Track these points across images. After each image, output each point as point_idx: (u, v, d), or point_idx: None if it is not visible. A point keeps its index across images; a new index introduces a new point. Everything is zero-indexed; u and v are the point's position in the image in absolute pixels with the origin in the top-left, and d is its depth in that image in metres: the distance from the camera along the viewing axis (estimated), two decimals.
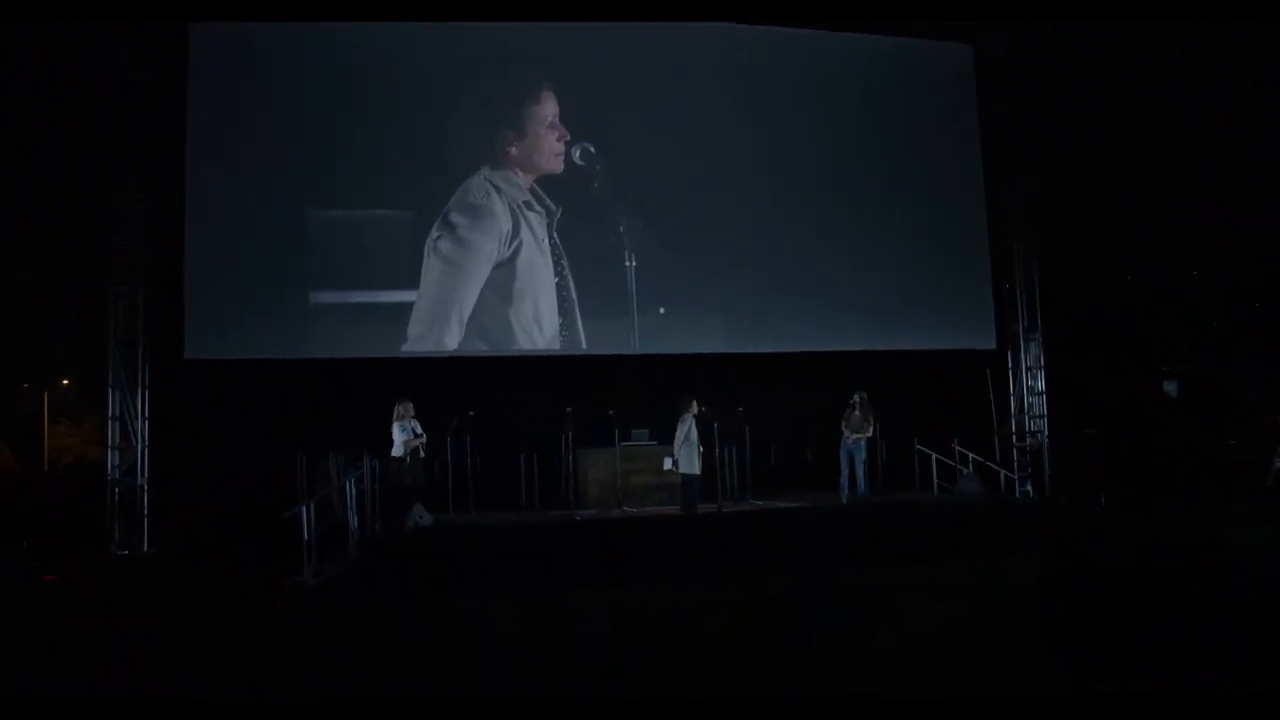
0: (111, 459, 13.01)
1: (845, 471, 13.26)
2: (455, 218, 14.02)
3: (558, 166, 14.44)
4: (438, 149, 14.18)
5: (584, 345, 14.35)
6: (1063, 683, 4.85)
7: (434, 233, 13.92)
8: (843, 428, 13.23)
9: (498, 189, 14.20)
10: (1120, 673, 2.31)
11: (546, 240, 14.27)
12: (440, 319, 13.80)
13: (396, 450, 11.90)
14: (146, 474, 13.06)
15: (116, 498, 12.85)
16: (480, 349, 13.92)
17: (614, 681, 6.31)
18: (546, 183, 14.40)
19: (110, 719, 5.60)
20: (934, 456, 14.49)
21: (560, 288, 14.30)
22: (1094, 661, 2.36)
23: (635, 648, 7.36)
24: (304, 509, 10.43)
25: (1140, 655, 2.23)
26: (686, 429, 12.39)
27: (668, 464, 12.79)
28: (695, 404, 12.59)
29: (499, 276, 14.06)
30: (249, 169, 13.31)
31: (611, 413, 13.38)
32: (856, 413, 13.17)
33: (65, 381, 32.60)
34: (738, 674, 6.44)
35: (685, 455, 12.38)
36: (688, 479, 12.44)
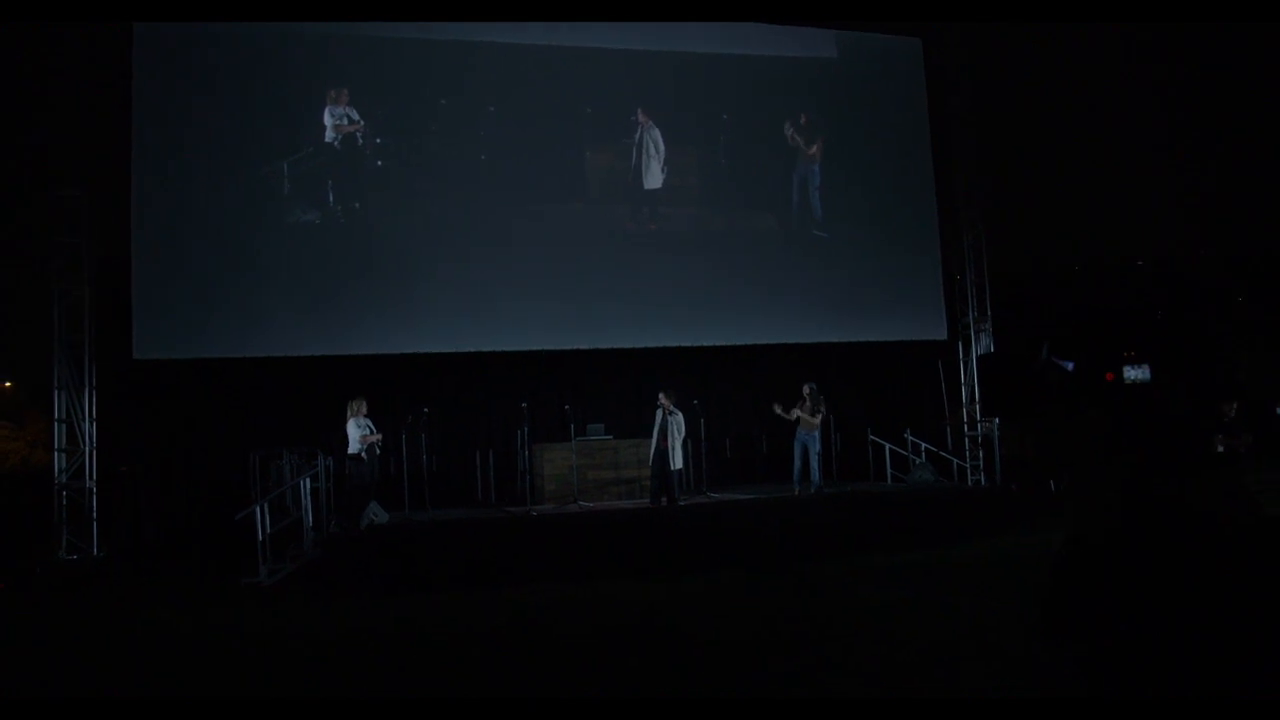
0: (58, 462, 12.77)
1: (798, 463, 13.34)
2: None
3: None
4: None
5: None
6: (1033, 676, 4.95)
7: None
8: (787, 415, 13.19)
9: None
10: (1114, 672, 2.32)
11: None
12: None
13: (353, 448, 11.80)
14: (95, 476, 12.83)
15: (64, 501, 12.62)
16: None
17: (573, 677, 6.34)
18: None
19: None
20: (887, 447, 14.67)
21: None
22: (1083, 659, 2.37)
23: (592, 642, 7.40)
24: (257, 509, 10.39)
25: (1136, 657, 2.24)
26: (660, 422, 12.51)
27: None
28: (660, 396, 12.65)
29: None
30: (194, 165, 13.09)
31: (567, 408, 13.39)
32: (807, 404, 13.24)
33: (7, 384, 31.90)
34: (700, 667, 6.50)
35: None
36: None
